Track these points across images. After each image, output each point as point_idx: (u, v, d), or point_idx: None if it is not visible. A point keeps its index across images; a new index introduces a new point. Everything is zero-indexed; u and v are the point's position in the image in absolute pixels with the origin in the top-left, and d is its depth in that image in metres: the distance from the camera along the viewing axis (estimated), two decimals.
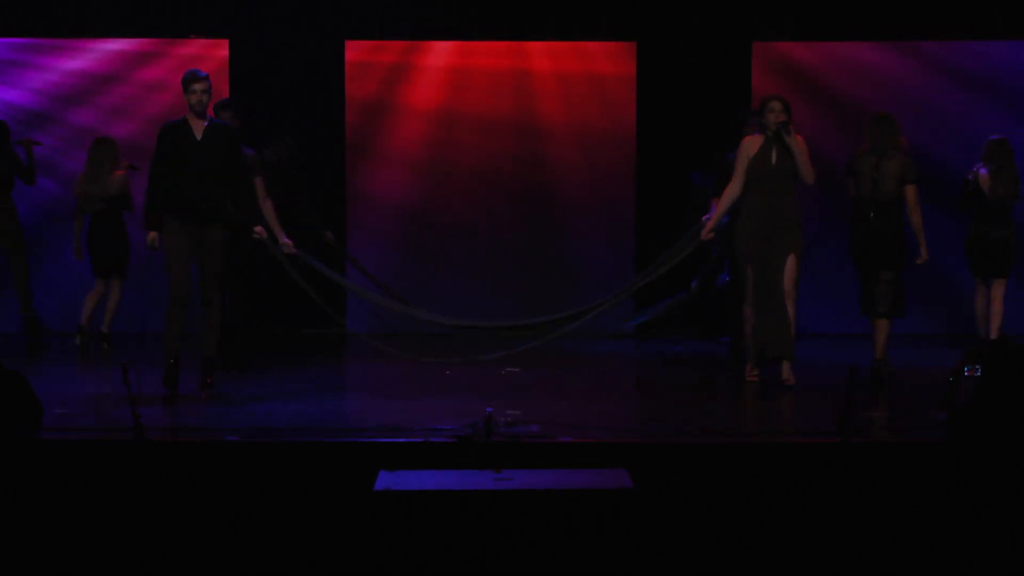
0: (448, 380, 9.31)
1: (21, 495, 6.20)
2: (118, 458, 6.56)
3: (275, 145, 10.20)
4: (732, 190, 8.76)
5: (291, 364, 10.16)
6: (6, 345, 11.02)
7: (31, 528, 6.10)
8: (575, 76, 12.20)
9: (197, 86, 8.48)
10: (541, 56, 12.22)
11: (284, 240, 9.38)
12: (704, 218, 9.15)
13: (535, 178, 12.24)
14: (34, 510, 6.17)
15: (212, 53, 11.93)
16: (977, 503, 6.05)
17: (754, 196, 8.71)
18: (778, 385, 8.68)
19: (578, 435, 6.98)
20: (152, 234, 8.47)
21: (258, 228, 8.97)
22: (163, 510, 6.24)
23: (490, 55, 12.25)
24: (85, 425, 7.30)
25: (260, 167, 9.58)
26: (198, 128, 8.48)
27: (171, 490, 6.34)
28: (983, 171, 10.00)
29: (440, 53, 12.22)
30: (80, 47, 12.06)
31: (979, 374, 6.56)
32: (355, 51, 12.13)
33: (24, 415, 6.95)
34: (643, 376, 10.19)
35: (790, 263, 8.62)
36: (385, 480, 5.96)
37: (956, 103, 11.90)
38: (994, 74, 11.93)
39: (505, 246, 12.20)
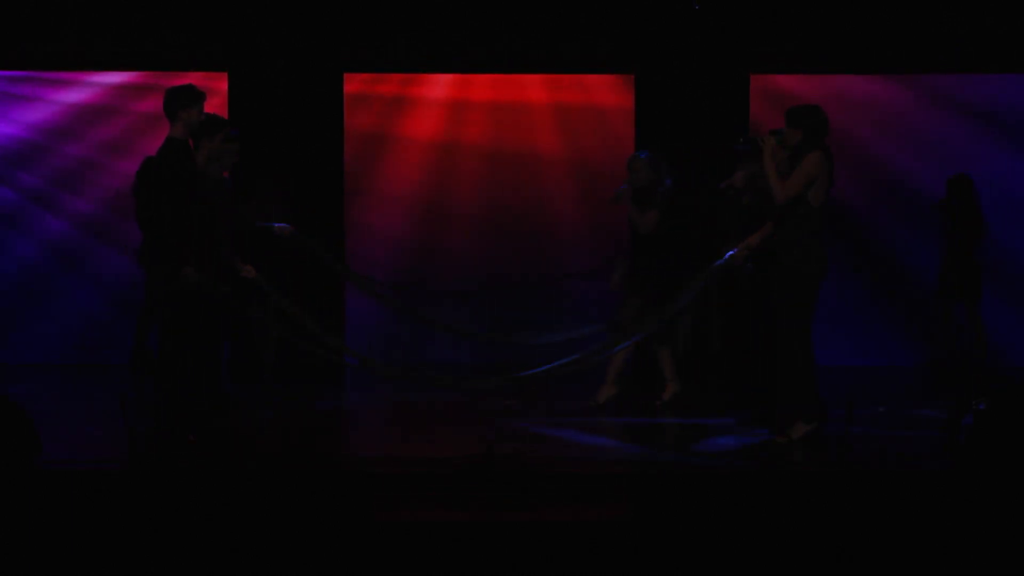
0: (448, 411, 9.29)
1: (15, 526, 6.17)
2: (115, 489, 6.53)
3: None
4: None
5: (289, 395, 10.12)
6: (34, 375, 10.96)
7: (25, 559, 6.07)
8: (574, 108, 12.22)
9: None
10: (539, 88, 12.24)
11: (245, 267, 8.50)
12: (729, 254, 8.35)
13: (533, 210, 12.24)
14: (29, 541, 6.14)
15: (211, 85, 11.91)
16: (978, 534, 6.03)
17: None
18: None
19: (578, 466, 6.97)
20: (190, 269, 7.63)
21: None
22: (163, 541, 6.20)
23: (488, 87, 12.27)
24: (83, 456, 7.29)
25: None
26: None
27: (174, 521, 6.30)
28: (951, 204, 10.69)
29: (438, 85, 12.24)
30: (78, 80, 12.07)
31: (983, 407, 6.55)
32: (353, 83, 12.14)
33: (18, 447, 6.91)
34: (643, 406, 10.16)
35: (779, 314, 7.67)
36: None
37: (955, 135, 11.91)
38: (994, 107, 11.95)
39: (503, 279, 12.18)
